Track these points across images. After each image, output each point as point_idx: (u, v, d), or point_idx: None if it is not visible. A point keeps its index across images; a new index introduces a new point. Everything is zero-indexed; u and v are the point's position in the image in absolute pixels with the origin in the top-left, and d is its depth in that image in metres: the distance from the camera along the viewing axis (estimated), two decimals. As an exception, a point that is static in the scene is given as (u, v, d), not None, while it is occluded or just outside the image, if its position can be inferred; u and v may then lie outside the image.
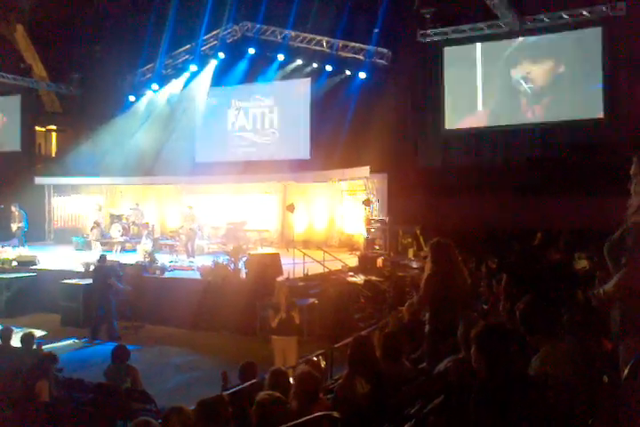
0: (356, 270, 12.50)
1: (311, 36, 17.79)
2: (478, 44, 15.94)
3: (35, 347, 7.29)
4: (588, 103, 14.63)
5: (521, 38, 15.43)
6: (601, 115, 14.36)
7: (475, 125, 16.06)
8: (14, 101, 22.91)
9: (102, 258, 11.61)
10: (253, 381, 5.27)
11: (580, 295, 4.82)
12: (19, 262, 14.06)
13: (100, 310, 11.02)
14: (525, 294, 3.80)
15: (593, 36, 14.47)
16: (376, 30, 16.26)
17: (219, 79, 19.88)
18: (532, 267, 5.02)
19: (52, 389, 5.85)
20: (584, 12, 14.28)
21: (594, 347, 3.49)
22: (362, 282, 11.34)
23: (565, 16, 14.52)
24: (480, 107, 16.06)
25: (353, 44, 17.36)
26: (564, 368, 3.06)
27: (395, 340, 4.75)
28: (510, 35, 15.42)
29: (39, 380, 5.75)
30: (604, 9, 13.89)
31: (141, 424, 3.49)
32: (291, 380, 4.58)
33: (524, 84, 15.32)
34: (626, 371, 2.69)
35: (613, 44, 13.98)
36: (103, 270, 11.33)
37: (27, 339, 7.19)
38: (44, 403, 5.67)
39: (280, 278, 11.45)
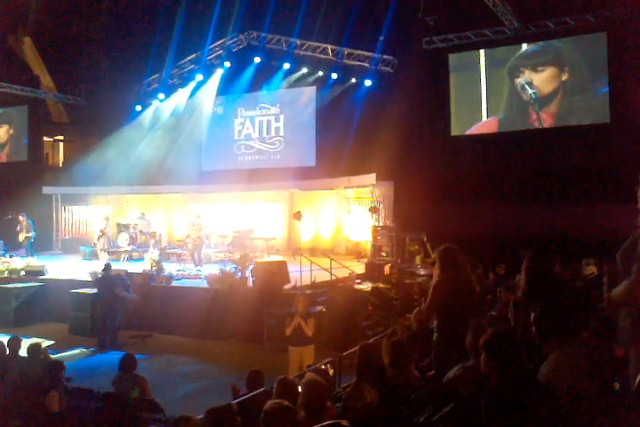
0: (363, 278, 12.47)
1: (316, 44, 17.88)
2: (482, 51, 15.97)
3: (42, 357, 7.28)
4: (594, 109, 14.60)
5: (525, 44, 15.44)
6: (607, 120, 14.32)
7: (480, 132, 16.04)
8: (22, 112, 23.11)
9: (107, 267, 11.48)
10: (261, 389, 5.25)
11: (591, 302, 4.78)
12: (27, 272, 14.09)
13: (105, 319, 11.01)
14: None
15: (598, 40, 14.47)
16: (381, 38, 16.33)
17: (225, 88, 20.01)
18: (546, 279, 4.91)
19: (61, 398, 5.83)
20: (589, 17, 14.29)
21: (604, 353, 3.46)
22: (369, 289, 11.30)
23: (570, 21, 14.54)
24: (485, 113, 16.04)
25: (358, 51, 17.43)
26: (574, 375, 3.04)
27: (402, 347, 4.72)
28: (515, 40, 15.43)
29: (50, 390, 5.73)
30: (608, 14, 13.90)
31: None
32: (299, 389, 4.56)
33: (528, 89, 15.28)
34: (638, 378, 2.67)
35: (618, 49, 13.93)
36: (109, 280, 11.26)
37: (34, 349, 7.18)
38: (53, 413, 5.65)
39: (287, 286, 11.44)
